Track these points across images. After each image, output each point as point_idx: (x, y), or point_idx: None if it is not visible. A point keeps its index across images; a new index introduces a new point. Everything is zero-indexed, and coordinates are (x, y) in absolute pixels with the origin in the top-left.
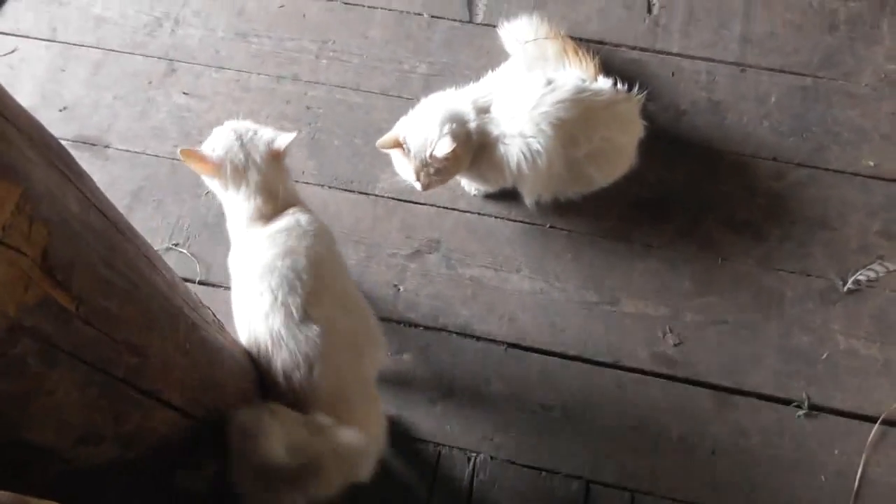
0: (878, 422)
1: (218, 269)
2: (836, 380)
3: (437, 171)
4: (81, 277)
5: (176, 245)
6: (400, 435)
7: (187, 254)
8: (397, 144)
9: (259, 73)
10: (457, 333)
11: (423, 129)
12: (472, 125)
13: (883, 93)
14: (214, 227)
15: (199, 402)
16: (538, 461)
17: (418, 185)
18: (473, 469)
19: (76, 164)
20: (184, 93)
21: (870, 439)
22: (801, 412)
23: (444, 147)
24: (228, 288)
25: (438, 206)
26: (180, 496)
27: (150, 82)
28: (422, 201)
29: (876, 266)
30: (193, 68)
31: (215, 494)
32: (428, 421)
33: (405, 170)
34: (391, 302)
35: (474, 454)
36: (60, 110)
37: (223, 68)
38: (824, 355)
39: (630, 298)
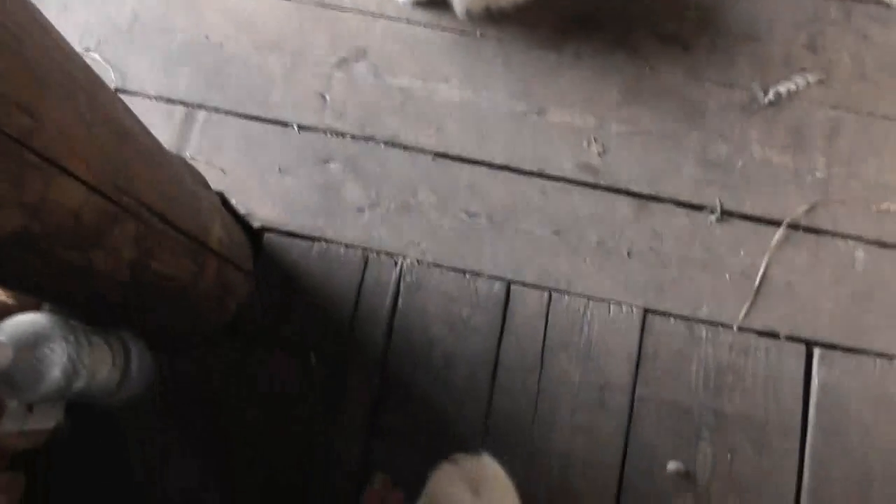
0: (783, 225)
1: (133, 78)
2: (749, 187)
3: None
4: None
5: (87, 50)
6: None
7: (100, 59)
8: None
9: None
10: (384, 143)
11: None
12: None
13: None
14: (126, 33)
15: (108, 181)
16: (463, 264)
17: None
18: (400, 272)
19: None
20: None
21: (773, 242)
22: (712, 217)
23: None
24: (147, 96)
25: (365, 13)
26: None
27: None
28: (347, 6)
29: (798, 78)
30: None
31: None
32: (355, 229)
33: None
34: (318, 112)
35: (401, 258)
36: None
37: None
38: (740, 164)
39: (558, 108)
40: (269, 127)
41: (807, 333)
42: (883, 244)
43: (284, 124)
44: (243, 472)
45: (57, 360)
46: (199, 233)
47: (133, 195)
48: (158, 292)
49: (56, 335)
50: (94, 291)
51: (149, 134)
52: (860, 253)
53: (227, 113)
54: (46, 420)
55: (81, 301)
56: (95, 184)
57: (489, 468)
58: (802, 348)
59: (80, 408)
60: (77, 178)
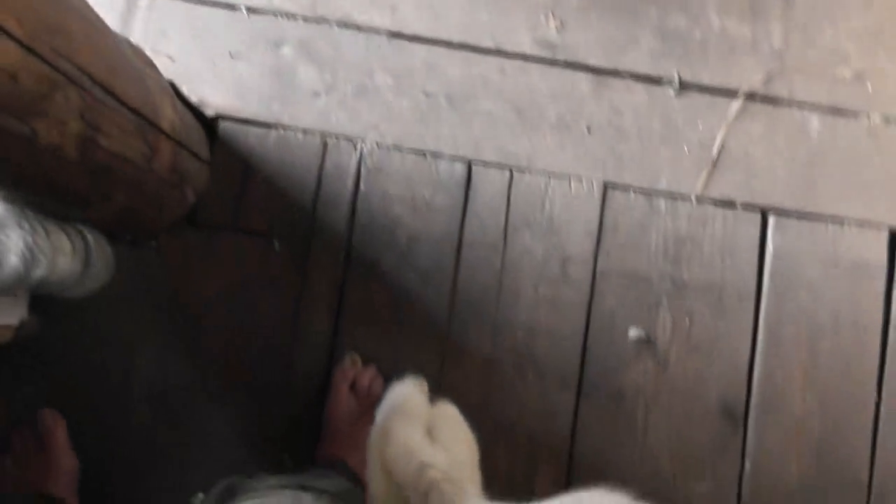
0: (740, 96)
1: None
2: (707, 58)
3: None
4: None
5: None
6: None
7: None
8: None
9: None
10: (337, 24)
11: None
12: None
13: None
14: None
15: (44, 42)
16: (423, 145)
17: None
18: (360, 156)
19: None
20: None
21: (731, 113)
22: (671, 90)
23: None
24: None
25: None
26: None
27: None
28: None
29: None
30: None
31: None
32: (312, 114)
33: None
34: None
35: (360, 142)
36: None
37: None
38: (698, 35)
39: None
40: (217, 11)
41: (763, 201)
42: (837, 111)
43: (232, 7)
44: (212, 360)
45: (13, 246)
46: (148, 111)
47: (73, 61)
48: (112, 176)
49: (10, 222)
50: (46, 174)
51: (86, 4)
52: (815, 121)
53: None
54: (9, 316)
55: (34, 186)
56: (29, 43)
57: (448, 411)
58: (758, 216)
59: (44, 304)
60: (9, 34)
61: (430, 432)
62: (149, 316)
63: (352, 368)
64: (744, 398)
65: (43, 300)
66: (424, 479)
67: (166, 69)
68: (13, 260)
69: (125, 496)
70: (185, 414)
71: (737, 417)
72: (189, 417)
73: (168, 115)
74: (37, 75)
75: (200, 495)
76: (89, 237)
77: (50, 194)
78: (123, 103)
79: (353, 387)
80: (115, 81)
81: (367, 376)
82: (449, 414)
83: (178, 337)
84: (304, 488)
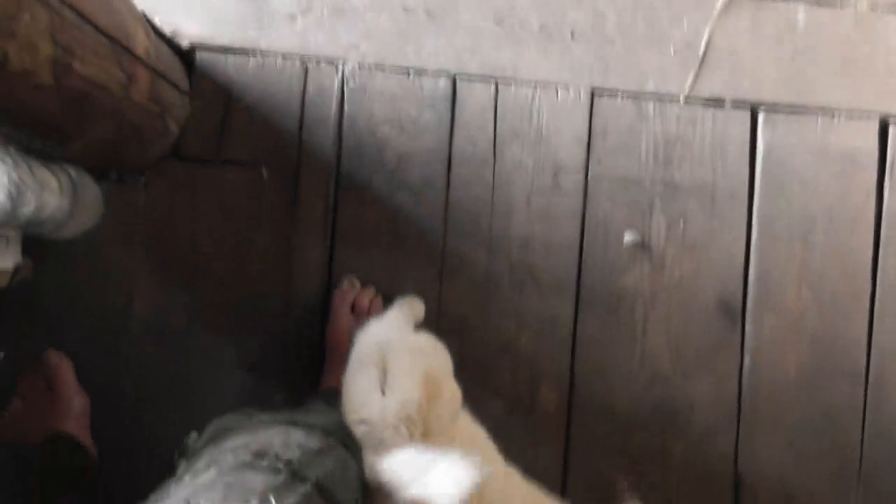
0: None
1: None
2: None
3: None
4: None
5: None
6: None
7: None
8: None
9: None
10: None
11: None
12: None
13: None
14: None
15: None
16: (405, 62)
17: None
18: (343, 78)
19: None
20: None
21: (716, 9)
22: None
23: None
24: None
25: None
26: None
27: None
28: None
29: None
30: None
31: None
32: (290, 37)
33: None
34: None
35: (342, 63)
36: None
37: None
38: None
39: None
40: None
41: (751, 97)
42: (822, 1)
43: None
44: (210, 292)
45: None
46: (121, 36)
47: None
48: (90, 103)
49: None
50: (21, 101)
51: None
52: (801, 12)
53: None
54: (3, 260)
55: (10, 116)
56: None
57: (411, 344)
58: (747, 113)
59: (39, 247)
60: None
61: (385, 373)
62: (142, 253)
63: (350, 290)
64: (740, 295)
65: (36, 244)
66: (357, 433)
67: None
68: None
69: (134, 432)
70: (186, 345)
71: (734, 314)
72: (190, 349)
73: (142, 41)
74: None
75: (194, 434)
76: (73, 174)
77: (29, 125)
78: (95, 26)
79: (352, 309)
80: (85, 3)
81: (366, 297)
82: (407, 348)
83: (173, 271)
84: (294, 423)
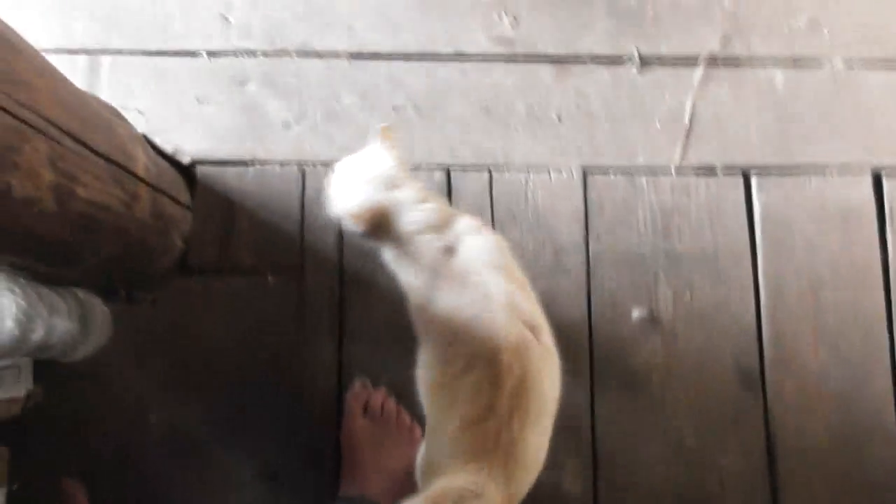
0: (701, 62)
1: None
2: (662, 31)
3: None
4: None
5: None
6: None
7: None
8: None
9: None
10: (297, 54)
11: None
12: None
13: None
14: None
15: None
16: None
17: None
18: None
19: None
20: None
21: (695, 80)
22: (633, 67)
23: None
24: (45, 51)
25: None
26: None
27: None
28: None
29: None
30: None
31: None
32: (286, 145)
33: None
34: (223, 34)
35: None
36: None
37: None
38: (650, 9)
39: None
40: (178, 59)
41: (742, 162)
42: (798, 62)
43: (192, 54)
44: (223, 402)
45: (6, 310)
46: (122, 158)
47: (37, 112)
48: (95, 225)
49: (0, 288)
50: (26, 228)
51: (45, 60)
52: (778, 75)
53: (132, 53)
54: (16, 388)
55: (16, 243)
56: None
57: None
58: (740, 178)
59: (50, 372)
60: None
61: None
62: (154, 368)
63: (362, 392)
64: (757, 360)
65: (48, 368)
66: None
67: (138, 123)
68: (8, 324)
69: None
70: (203, 457)
71: (754, 381)
72: (208, 460)
73: (142, 161)
74: (1, 127)
75: None
76: (82, 296)
77: (35, 251)
78: (95, 151)
79: (365, 410)
80: (84, 130)
81: (379, 398)
82: None
83: (186, 383)
84: None
